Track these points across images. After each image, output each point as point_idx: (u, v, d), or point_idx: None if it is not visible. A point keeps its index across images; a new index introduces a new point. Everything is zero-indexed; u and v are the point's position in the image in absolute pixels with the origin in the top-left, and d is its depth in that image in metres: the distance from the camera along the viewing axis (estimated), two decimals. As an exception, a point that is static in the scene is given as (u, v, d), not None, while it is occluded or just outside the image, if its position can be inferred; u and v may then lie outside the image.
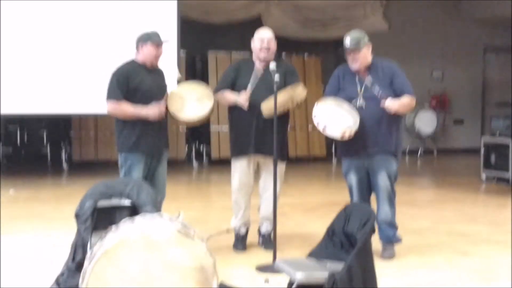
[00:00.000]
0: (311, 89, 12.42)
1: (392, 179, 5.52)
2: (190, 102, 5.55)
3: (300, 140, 12.63)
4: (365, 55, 5.44)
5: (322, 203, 8.11)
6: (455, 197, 8.86)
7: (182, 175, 10.93)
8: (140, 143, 5.37)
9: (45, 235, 6.36)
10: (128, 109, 5.31)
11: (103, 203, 4.49)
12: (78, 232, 4.39)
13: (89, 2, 9.59)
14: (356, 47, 5.37)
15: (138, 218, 3.48)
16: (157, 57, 5.47)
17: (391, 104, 5.28)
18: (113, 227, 3.45)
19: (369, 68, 5.47)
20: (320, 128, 5.22)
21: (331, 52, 14.49)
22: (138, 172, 5.36)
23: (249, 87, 5.54)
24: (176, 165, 11.61)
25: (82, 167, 11.25)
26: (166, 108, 5.48)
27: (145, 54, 5.42)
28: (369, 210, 3.98)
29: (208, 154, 12.13)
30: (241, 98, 5.55)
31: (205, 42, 12.92)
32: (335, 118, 5.23)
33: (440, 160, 13.74)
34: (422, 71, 14.12)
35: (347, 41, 5.40)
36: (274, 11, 12.86)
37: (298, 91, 5.41)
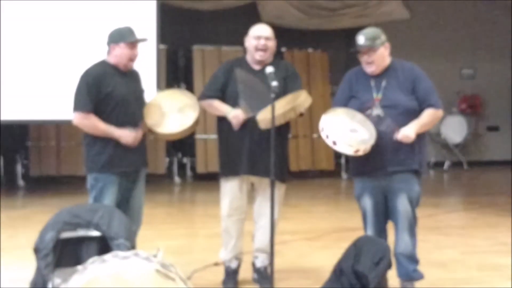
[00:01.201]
0: (316, 90, 12.57)
1: (414, 204, 5.52)
2: (171, 113, 5.59)
3: (304, 151, 12.69)
4: (382, 56, 5.46)
5: (330, 229, 8.14)
6: (487, 222, 8.91)
7: (161, 194, 10.98)
8: (114, 160, 5.39)
9: (-2, 270, 6.40)
10: (100, 125, 5.35)
11: (68, 234, 4.54)
12: (38, 269, 4.43)
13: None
14: (371, 46, 5.40)
15: (109, 257, 3.52)
16: (132, 59, 5.51)
17: (407, 134, 5.28)
18: (80, 267, 3.49)
19: (387, 71, 5.52)
20: (329, 142, 5.24)
21: (341, 46, 14.59)
22: (111, 196, 5.38)
23: (242, 102, 5.54)
24: (154, 182, 11.65)
25: (42, 184, 11.29)
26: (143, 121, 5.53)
27: (117, 56, 5.45)
28: (383, 245, 4.03)
29: (193, 168, 12.17)
30: (234, 117, 5.58)
31: (190, 34, 12.97)
32: (347, 131, 5.25)
33: (470, 174, 13.80)
34: (449, 68, 14.21)
35: (361, 39, 5.42)
36: (272, -4, 12.94)
37: (301, 100, 5.42)
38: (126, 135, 5.39)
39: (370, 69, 5.46)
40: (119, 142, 5.39)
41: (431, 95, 5.44)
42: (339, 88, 5.72)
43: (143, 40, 5.60)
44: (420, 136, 5.43)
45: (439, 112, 5.48)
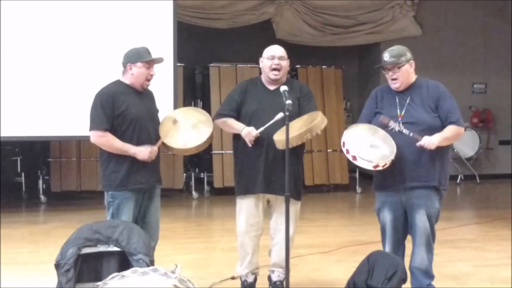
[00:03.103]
0: (330, 106, 12.59)
1: (433, 220, 5.50)
2: (185, 129, 5.63)
3: (318, 165, 12.67)
4: (407, 73, 5.48)
5: (344, 243, 8.12)
6: (500, 235, 8.86)
7: (179, 209, 11.01)
8: (130, 178, 5.42)
9: (19, 285, 6.42)
10: (116, 143, 5.38)
11: (88, 250, 4.58)
12: (59, 284, 4.48)
13: (70, 12, 9.70)
14: (396, 63, 5.43)
15: (128, 273, 3.55)
16: (148, 78, 5.54)
17: (429, 141, 5.27)
18: (100, 283, 3.52)
19: (412, 88, 5.54)
20: (350, 157, 5.27)
21: (354, 62, 14.64)
22: (128, 213, 5.40)
23: (262, 129, 5.54)
24: (172, 196, 11.75)
25: (63, 199, 11.32)
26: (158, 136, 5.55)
27: (134, 75, 5.48)
28: (396, 260, 4.04)
29: (210, 182, 12.19)
30: (249, 134, 5.59)
31: (206, 52, 13.03)
32: (367, 146, 5.27)
33: (483, 188, 13.74)
34: (461, 83, 14.15)
35: (386, 56, 5.46)
36: (287, 15, 12.98)
37: (318, 121, 5.41)
38: (142, 151, 5.41)
39: (395, 85, 5.49)
40: (133, 160, 5.42)
41: (453, 113, 5.42)
42: (366, 104, 5.74)
43: (160, 59, 5.63)
44: (441, 154, 5.42)
45: (461, 130, 5.46)
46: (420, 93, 5.49)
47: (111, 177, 5.45)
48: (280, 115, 5.42)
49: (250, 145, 5.61)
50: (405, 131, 5.29)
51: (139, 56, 5.48)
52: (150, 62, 5.52)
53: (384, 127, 5.39)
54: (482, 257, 7.69)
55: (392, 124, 5.34)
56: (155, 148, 5.49)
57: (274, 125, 5.49)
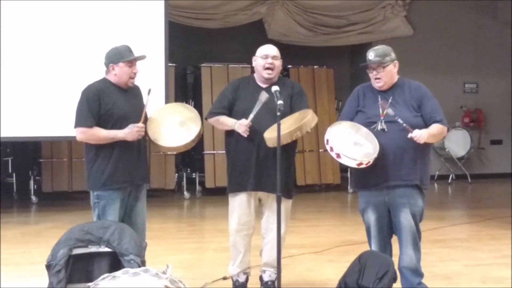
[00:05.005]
0: (322, 106, 12.61)
1: (417, 218, 5.53)
2: (173, 126, 5.60)
3: (310, 165, 12.69)
4: (391, 73, 5.51)
5: (336, 243, 8.14)
6: (491, 234, 8.89)
7: (171, 209, 11.02)
8: (115, 177, 5.38)
9: (11, 286, 6.40)
10: (101, 132, 5.34)
11: (79, 251, 4.57)
12: (50, 285, 4.47)
13: (62, 12, 9.69)
14: (381, 63, 5.45)
15: (119, 274, 3.55)
16: (132, 77, 5.51)
17: (420, 135, 5.31)
18: (91, 284, 3.52)
19: (395, 88, 5.55)
20: (333, 154, 5.27)
21: (346, 62, 14.64)
22: (114, 214, 5.37)
23: (251, 116, 5.57)
24: (164, 197, 11.76)
25: (54, 200, 11.30)
26: (146, 133, 5.53)
27: (117, 75, 5.47)
28: (387, 260, 4.04)
29: (202, 183, 12.18)
30: (241, 126, 5.61)
31: (198, 52, 13.02)
32: (351, 144, 5.28)
33: (474, 187, 13.77)
34: (452, 83, 14.21)
35: (371, 55, 5.48)
36: (279, 15, 13.00)
37: (308, 119, 5.42)
38: (130, 132, 5.36)
39: (378, 85, 5.51)
40: (120, 158, 5.39)
41: (437, 113, 5.47)
42: (347, 102, 5.75)
43: (142, 57, 5.60)
44: (423, 154, 5.46)
45: (445, 129, 5.51)
46: (402, 92, 5.52)
47: (96, 176, 5.41)
48: (264, 96, 5.45)
49: (245, 136, 5.59)
50: (399, 120, 5.29)
51: (121, 56, 5.46)
52: (132, 61, 5.50)
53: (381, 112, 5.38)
54: (473, 256, 7.70)
55: (390, 112, 5.33)
56: (140, 125, 5.41)
57: (266, 122, 5.50)
